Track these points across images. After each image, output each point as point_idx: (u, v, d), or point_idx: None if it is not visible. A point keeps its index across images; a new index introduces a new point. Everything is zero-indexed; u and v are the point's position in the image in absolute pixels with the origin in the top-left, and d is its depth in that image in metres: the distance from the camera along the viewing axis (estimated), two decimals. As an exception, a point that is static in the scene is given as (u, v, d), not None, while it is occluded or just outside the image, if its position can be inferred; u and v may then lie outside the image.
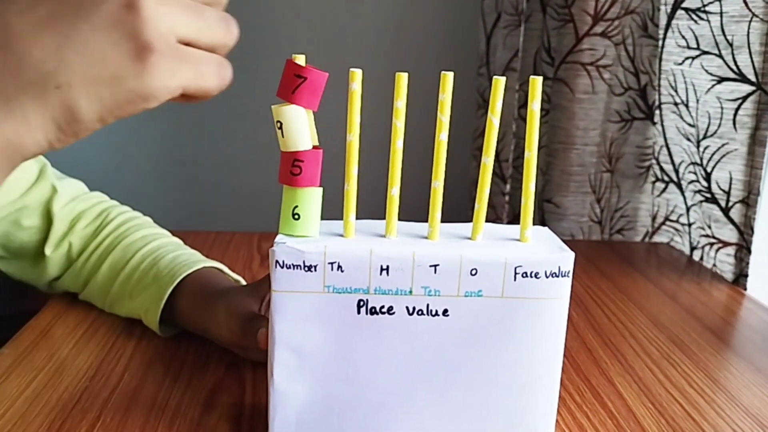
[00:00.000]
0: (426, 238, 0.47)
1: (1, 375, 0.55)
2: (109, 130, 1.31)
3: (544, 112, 1.07)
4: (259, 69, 1.32)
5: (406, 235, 0.47)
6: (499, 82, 0.45)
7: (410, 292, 0.45)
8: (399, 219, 0.47)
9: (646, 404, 0.56)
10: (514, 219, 1.14)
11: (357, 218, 0.47)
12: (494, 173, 1.24)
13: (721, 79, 0.83)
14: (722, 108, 0.83)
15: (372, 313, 0.45)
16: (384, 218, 0.47)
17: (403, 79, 0.45)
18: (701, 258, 0.92)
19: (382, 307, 0.45)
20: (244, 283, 0.66)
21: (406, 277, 0.44)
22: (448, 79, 0.45)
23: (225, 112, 1.31)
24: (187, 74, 0.33)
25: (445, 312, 0.45)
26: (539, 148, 1.10)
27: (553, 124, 1.03)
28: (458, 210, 1.30)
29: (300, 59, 0.44)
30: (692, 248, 0.94)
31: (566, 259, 0.45)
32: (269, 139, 1.36)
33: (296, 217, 0.45)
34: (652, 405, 0.55)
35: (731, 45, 0.81)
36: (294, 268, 0.44)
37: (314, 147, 0.45)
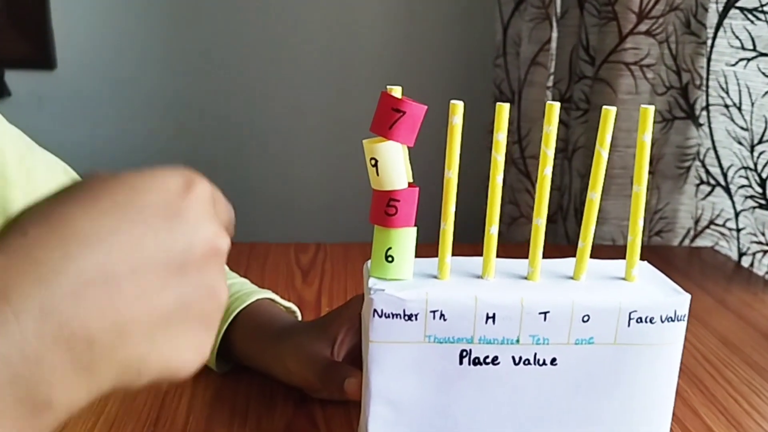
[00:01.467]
0: (526, 278, 0.44)
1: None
2: (122, 132, 1.26)
3: (582, 112, 1.04)
4: (288, 69, 1.28)
5: (504, 275, 0.44)
6: (610, 113, 0.42)
7: (517, 341, 0.42)
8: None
9: (740, 440, 0.53)
10: (547, 220, 1.11)
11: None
12: (519, 170, 1.21)
13: (779, 82, 0.80)
14: (780, 112, 0.80)
15: (475, 364, 0.42)
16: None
17: (504, 110, 0.41)
18: (751, 264, 0.89)
19: (487, 357, 0.42)
20: (295, 309, 0.62)
21: (513, 325, 0.41)
22: (554, 109, 0.42)
23: (248, 112, 1.27)
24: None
25: (553, 361, 0.42)
26: (576, 150, 1.07)
27: (594, 126, 1.00)
28: (469, 203, 1.26)
29: (396, 91, 0.40)
30: (741, 254, 0.92)
31: (682, 302, 0.42)
32: (299, 139, 1.32)
33: (390, 259, 0.42)
34: (747, 441, 0.53)
35: (791, 47, 0.78)
36: (393, 318, 0.41)
37: (409, 184, 0.42)
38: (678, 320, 0.42)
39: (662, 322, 0.42)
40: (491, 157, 0.42)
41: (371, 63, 1.28)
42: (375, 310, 0.41)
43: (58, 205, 0.28)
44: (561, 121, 1.08)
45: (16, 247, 0.26)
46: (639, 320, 0.42)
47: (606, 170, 1.00)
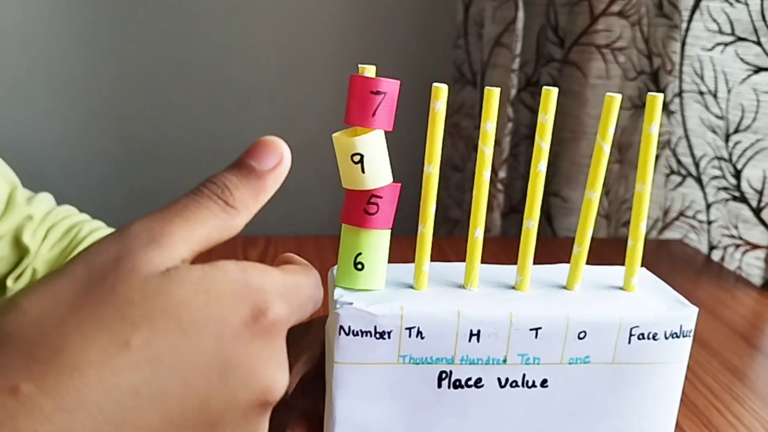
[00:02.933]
0: (513, 288, 0.38)
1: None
2: (50, 99, 1.16)
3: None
4: (238, 46, 1.19)
5: (488, 284, 0.39)
6: (614, 101, 0.37)
7: (504, 361, 0.36)
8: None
9: (731, 457, 0.49)
10: (510, 211, 1.07)
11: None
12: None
13: (759, 69, 0.76)
14: (758, 101, 0.77)
15: (456, 387, 0.36)
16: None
17: (494, 96, 0.36)
18: (722, 258, 0.86)
19: (469, 379, 0.36)
20: None
21: (500, 343, 0.36)
22: (551, 95, 0.36)
23: (189, 88, 1.18)
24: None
25: (543, 383, 0.37)
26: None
27: (562, 111, 0.95)
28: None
29: (370, 71, 0.34)
30: (711, 247, 0.89)
31: (689, 316, 0.37)
32: (245, 122, 1.23)
33: (360, 266, 0.36)
34: (738, 457, 0.49)
35: (772, 32, 0.75)
36: (362, 335, 0.35)
37: (386, 180, 0.36)
38: (684, 336, 0.37)
39: (666, 338, 0.37)
40: (478, 150, 0.37)
41: (325, 40, 1.21)
42: (341, 327, 0.35)
43: (62, 332, 0.20)
44: (527, 107, 1.04)
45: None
46: (641, 336, 0.37)
47: (574, 159, 0.97)
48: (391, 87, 0.34)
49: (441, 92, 0.35)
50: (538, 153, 0.37)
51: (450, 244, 0.93)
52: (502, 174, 1.06)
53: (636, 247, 0.39)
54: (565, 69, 0.94)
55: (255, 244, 0.83)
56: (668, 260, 0.91)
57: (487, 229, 1.08)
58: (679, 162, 0.92)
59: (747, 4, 0.77)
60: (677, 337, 0.37)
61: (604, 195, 0.97)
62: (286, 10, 1.18)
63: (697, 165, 0.89)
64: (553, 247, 0.88)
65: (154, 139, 1.19)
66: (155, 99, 1.17)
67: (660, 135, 0.95)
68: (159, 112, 1.18)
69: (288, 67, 1.20)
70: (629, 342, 0.37)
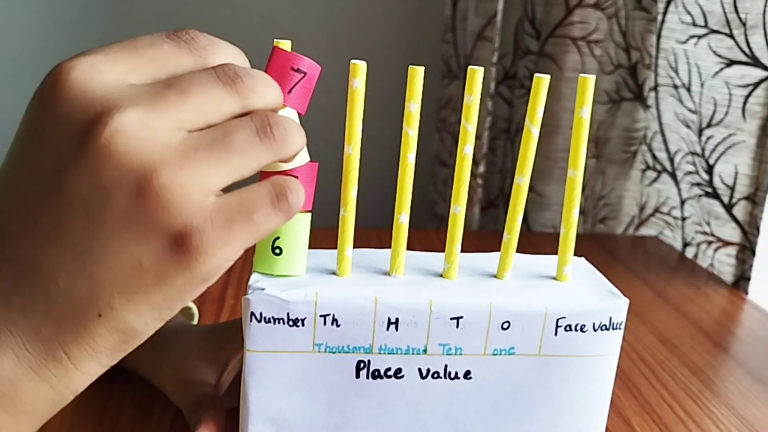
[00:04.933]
0: (441, 276, 0.37)
1: None
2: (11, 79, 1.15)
3: (526, 90, 0.98)
4: (222, 34, 1.18)
5: (415, 272, 0.37)
6: (542, 82, 0.35)
7: (424, 350, 0.35)
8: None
9: (678, 456, 0.48)
10: (488, 205, 1.05)
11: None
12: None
13: (731, 62, 0.75)
14: (730, 94, 0.75)
15: (374, 377, 0.35)
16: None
17: (417, 74, 0.34)
18: (695, 256, 0.85)
19: (388, 369, 0.35)
20: (191, 306, 0.54)
21: (420, 332, 0.35)
22: (477, 75, 0.35)
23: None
24: (242, 234, 0.26)
25: (466, 374, 0.36)
26: (519, 130, 1.01)
27: (537, 104, 0.94)
28: (415, 185, 1.19)
29: (286, 45, 0.33)
30: (685, 244, 0.87)
31: (619, 307, 0.36)
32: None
33: (277, 251, 0.35)
34: (685, 456, 0.48)
35: (744, 24, 0.73)
36: (275, 323, 0.34)
37: (302, 161, 0.34)
38: (614, 329, 0.36)
39: (595, 330, 0.36)
40: (402, 132, 0.35)
41: (314, 35, 1.20)
42: (252, 314, 0.33)
43: None
44: (504, 100, 1.02)
45: None
46: (568, 328, 0.35)
47: (548, 153, 0.95)
48: (312, 69, 0.33)
49: (359, 69, 0.33)
50: (464, 136, 0.36)
51: (417, 237, 0.92)
52: (481, 168, 1.05)
53: (568, 236, 0.37)
54: (541, 62, 0.92)
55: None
56: (643, 257, 0.90)
57: (467, 224, 1.06)
58: (654, 157, 0.91)
59: (721, -4, 0.75)
60: (606, 329, 0.36)
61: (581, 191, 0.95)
62: (274, 6, 1.17)
63: (671, 160, 0.88)
64: (525, 243, 0.86)
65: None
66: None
67: (637, 130, 0.94)
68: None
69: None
70: (556, 333, 0.35)
